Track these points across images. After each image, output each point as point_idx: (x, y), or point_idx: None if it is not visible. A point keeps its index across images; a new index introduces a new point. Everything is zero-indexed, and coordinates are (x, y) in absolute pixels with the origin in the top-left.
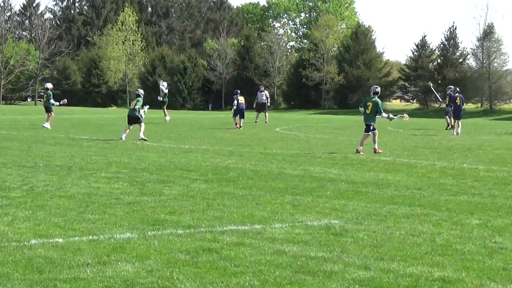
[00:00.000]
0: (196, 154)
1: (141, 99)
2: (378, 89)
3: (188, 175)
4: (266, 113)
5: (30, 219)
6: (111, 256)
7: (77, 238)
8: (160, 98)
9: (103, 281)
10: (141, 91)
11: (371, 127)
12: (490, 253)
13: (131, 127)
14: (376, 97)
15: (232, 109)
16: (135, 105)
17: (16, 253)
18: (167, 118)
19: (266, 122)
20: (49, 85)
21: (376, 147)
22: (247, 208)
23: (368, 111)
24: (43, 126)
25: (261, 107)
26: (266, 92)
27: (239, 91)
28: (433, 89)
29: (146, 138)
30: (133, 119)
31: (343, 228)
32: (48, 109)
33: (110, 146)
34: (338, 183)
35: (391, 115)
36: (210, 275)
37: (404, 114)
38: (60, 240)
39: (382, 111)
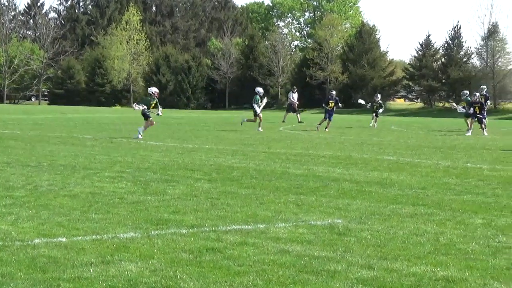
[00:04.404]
0: (199, 153)
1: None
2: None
3: (191, 175)
4: (298, 114)
5: (34, 219)
6: (114, 256)
7: (80, 237)
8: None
9: (106, 281)
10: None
11: None
12: (494, 253)
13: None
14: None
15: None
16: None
17: (19, 252)
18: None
19: (299, 122)
20: (260, 90)
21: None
22: (251, 207)
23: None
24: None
25: (292, 108)
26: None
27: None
28: None
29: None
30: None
31: (347, 228)
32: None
33: (113, 145)
34: (342, 183)
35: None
36: (213, 274)
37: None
38: (64, 239)
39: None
